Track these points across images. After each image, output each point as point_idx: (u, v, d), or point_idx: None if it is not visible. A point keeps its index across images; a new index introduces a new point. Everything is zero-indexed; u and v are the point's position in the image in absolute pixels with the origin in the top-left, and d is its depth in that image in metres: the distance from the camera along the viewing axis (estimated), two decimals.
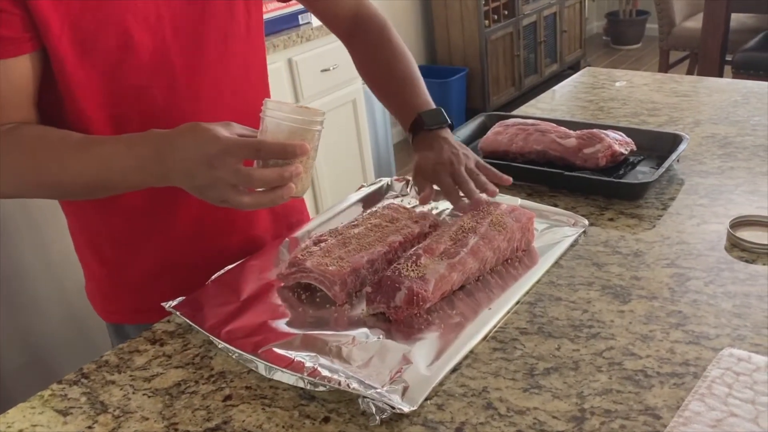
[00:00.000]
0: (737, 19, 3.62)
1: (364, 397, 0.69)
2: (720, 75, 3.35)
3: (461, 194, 0.98)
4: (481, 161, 1.03)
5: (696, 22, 3.77)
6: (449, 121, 1.05)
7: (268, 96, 1.10)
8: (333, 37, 2.68)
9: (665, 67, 4.02)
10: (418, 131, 1.04)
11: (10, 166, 0.83)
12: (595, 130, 1.15)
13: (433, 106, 1.06)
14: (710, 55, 3.35)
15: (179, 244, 1.00)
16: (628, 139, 1.16)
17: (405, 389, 0.71)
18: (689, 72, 4.06)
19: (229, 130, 0.78)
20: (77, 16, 0.83)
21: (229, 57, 0.97)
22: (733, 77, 3.21)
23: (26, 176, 0.85)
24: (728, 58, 3.39)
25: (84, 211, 1.01)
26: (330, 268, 0.87)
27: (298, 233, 1.05)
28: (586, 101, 1.51)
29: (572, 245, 0.96)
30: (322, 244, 0.92)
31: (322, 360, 0.75)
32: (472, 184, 0.97)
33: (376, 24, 1.14)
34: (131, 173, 0.81)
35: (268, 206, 0.80)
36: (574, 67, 4.80)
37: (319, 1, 1.12)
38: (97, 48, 0.86)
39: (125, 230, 1.00)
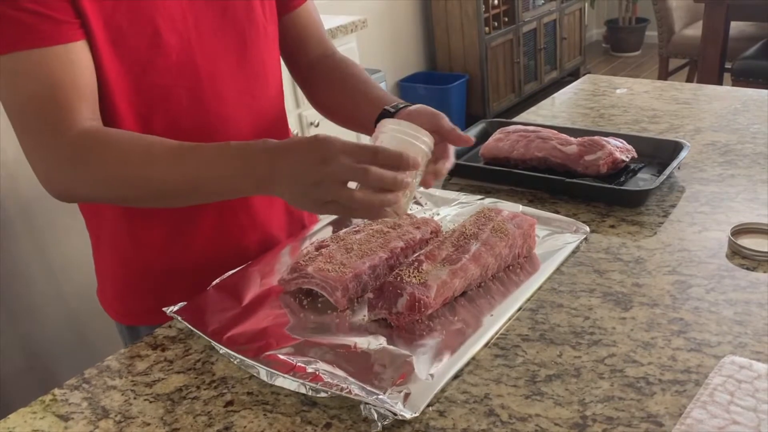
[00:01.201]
0: (736, 27, 3.63)
1: (366, 403, 0.69)
2: (719, 82, 3.36)
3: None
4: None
5: (695, 30, 3.79)
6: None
7: (282, 102, 1.10)
8: (336, 42, 2.69)
9: (665, 74, 4.04)
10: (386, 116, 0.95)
11: (95, 163, 0.83)
12: (596, 137, 1.16)
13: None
14: (710, 63, 3.36)
15: (201, 244, 1.01)
16: (629, 147, 1.17)
17: (407, 396, 0.70)
18: (689, 79, 4.08)
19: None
20: (110, 14, 0.84)
21: (249, 59, 0.98)
22: (733, 85, 3.22)
23: (114, 173, 0.83)
24: (727, 65, 3.40)
25: (105, 215, 1.01)
26: (331, 273, 0.87)
27: (300, 239, 1.05)
28: (587, 108, 1.52)
29: (573, 252, 0.96)
30: (324, 250, 0.92)
31: (324, 366, 0.75)
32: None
33: (346, 61, 1.10)
34: (233, 176, 0.80)
35: (376, 207, 0.76)
36: (574, 74, 4.81)
37: (288, 41, 1.09)
38: (128, 46, 0.87)
39: (148, 232, 1.00)
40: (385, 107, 0.96)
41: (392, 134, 0.80)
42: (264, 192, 0.80)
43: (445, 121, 0.90)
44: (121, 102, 0.89)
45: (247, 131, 1.00)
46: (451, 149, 0.92)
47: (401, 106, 0.96)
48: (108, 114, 0.89)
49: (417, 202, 1.13)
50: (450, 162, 0.92)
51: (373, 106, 0.98)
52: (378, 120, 0.95)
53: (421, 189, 1.15)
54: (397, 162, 0.77)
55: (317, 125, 2.61)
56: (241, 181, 0.80)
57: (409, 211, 1.05)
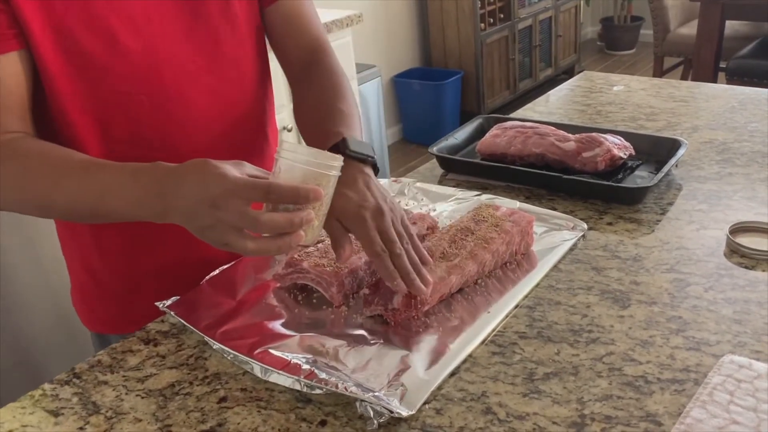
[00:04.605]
0: (731, 26, 3.63)
1: (362, 400, 0.68)
2: (714, 81, 3.37)
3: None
4: (407, 222, 0.83)
5: (691, 29, 3.79)
6: (374, 157, 0.87)
7: (271, 106, 1.06)
8: (331, 36, 2.67)
9: (659, 72, 4.04)
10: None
11: (3, 178, 0.80)
12: (594, 134, 1.15)
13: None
14: (704, 62, 3.36)
15: (168, 250, 0.98)
16: (627, 144, 1.16)
17: (403, 393, 0.70)
18: (683, 78, 4.08)
19: (239, 170, 0.72)
20: (60, 19, 0.80)
21: (222, 62, 0.93)
22: (727, 84, 3.22)
23: (18, 193, 0.81)
24: (722, 64, 3.40)
25: (75, 223, 0.98)
26: (327, 269, 0.86)
27: None
28: (584, 105, 1.51)
29: (571, 249, 0.95)
30: (320, 245, 0.91)
31: (319, 362, 0.74)
32: (399, 248, 0.79)
33: (333, 78, 1.00)
34: (128, 206, 0.77)
35: (274, 254, 0.72)
36: (569, 72, 4.80)
37: (276, 36, 1.03)
38: (81, 52, 0.83)
39: (116, 241, 0.97)
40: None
41: (291, 164, 0.73)
42: (163, 222, 0.76)
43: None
44: (76, 109, 0.86)
45: (218, 139, 0.95)
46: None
47: (357, 154, 0.85)
48: (62, 121, 0.86)
49: (413, 198, 1.12)
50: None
51: (327, 136, 0.88)
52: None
53: (417, 185, 1.15)
54: (294, 198, 0.70)
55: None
56: (137, 210, 0.76)
57: (405, 207, 1.04)
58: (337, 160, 0.74)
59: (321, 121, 0.93)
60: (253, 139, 1.03)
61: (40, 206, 0.83)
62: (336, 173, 0.75)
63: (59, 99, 0.84)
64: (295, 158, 0.73)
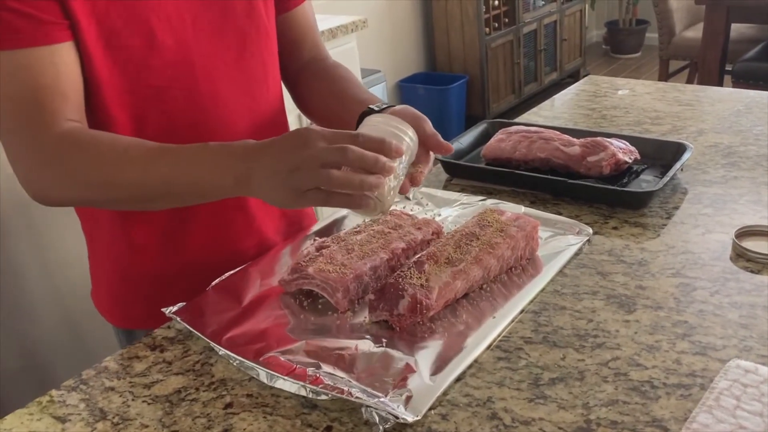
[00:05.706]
0: (737, 29, 3.62)
1: (367, 406, 0.68)
2: (720, 85, 3.36)
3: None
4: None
5: (696, 32, 3.78)
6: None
7: (282, 103, 1.09)
8: (336, 41, 2.68)
9: (665, 76, 4.03)
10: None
11: (73, 164, 0.81)
12: (598, 138, 1.15)
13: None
14: (710, 65, 3.35)
15: (197, 249, 1.00)
16: (632, 148, 1.16)
17: (408, 398, 0.70)
18: (689, 81, 4.07)
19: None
20: (103, 14, 0.83)
21: (247, 59, 0.97)
22: (733, 87, 3.21)
23: (87, 177, 0.82)
24: (728, 68, 3.39)
25: (101, 218, 1.00)
26: (332, 274, 0.86)
27: (300, 239, 1.04)
28: (589, 109, 1.51)
29: (576, 254, 0.95)
30: (325, 251, 0.91)
31: (325, 368, 0.75)
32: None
33: (337, 65, 1.09)
34: (207, 171, 0.78)
35: (357, 186, 0.73)
36: (574, 76, 4.80)
37: (283, 43, 1.06)
38: (122, 46, 0.85)
39: (144, 237, 0.98)
40: (369, 106, 0.94)
41: (375, 125, 0.78)
42: (242, 190, 0.78)
43: (428, 125, 0.88)
44: (115, 103, 0.88)
45: (245, 133, 0.97)
46: (431, 155, 0.90)
47: (385, 106, 0.94)
48: (101, 115, 0.88)
49: (418, 203, 1.12)
50: (428, 167, 0.89)
51: (360, 107, 0.95)
52: (360, 118, 0.93)
53: (422, 189, 1.15)
54: (379, 146, 0.74)
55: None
56: (218, 178, 0.78)
57: (410, 212, 1.04)
58: (414, 133, 0.80)
59: (353, 95, 1.00)
60: (275, 133, 1.06)
61: (109, 188, 0.83)
62: (412, 144, 0.80)
63: (99, 94, 0.87)
64: (380, 122, 0.79)
